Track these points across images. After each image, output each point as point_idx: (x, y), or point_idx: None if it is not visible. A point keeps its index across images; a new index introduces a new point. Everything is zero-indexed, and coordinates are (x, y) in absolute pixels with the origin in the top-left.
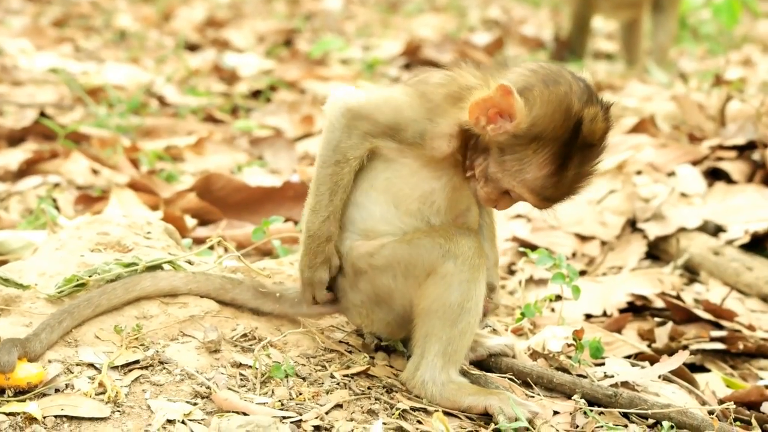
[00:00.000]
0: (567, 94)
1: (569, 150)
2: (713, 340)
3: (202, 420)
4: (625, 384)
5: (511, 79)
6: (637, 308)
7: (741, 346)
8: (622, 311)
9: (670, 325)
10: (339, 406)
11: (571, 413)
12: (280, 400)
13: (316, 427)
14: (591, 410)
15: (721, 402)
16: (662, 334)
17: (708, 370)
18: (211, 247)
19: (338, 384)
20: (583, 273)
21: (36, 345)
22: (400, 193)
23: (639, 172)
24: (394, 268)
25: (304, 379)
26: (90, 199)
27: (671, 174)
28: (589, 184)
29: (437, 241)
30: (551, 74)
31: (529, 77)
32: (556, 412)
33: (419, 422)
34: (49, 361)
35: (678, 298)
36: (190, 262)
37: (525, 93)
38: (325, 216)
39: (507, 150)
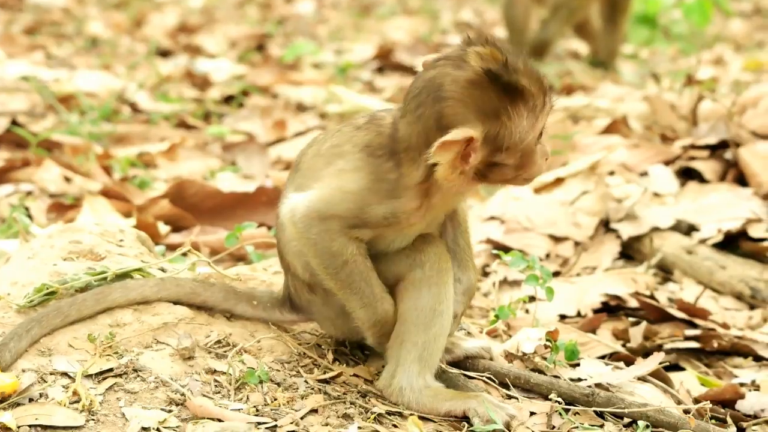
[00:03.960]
0: (459, 73)
1: (510, 95)
2: (687, 338)
3: (177, 427)
4: (599, 385)
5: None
6: (612, 308)
7: (715, 345)
8: (596, 311)
9: (644, 324)
10: (314, 410)
11: (547, 413)
12: (255, 406)
13: None
14: (567, 410)
15: (696, 401)
16: (637, 334)
17: (683, 369)
18: (184, 254)
19: (313, 389)
20: (557, 274)
21: (5, 354)
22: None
23: (612, 173)
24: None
25: (278, 384)
26: (62, 207)
27: (644, 174)
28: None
29: (404, 251)
30: (426, 84)
31: (421, 109)
32: (532, 413)
33: (395, 426)
34: (23, 371)
35: (652, 297)
36: (162, 270)
37: (444, 120)
38: (380, 299)
39: (485, 155)
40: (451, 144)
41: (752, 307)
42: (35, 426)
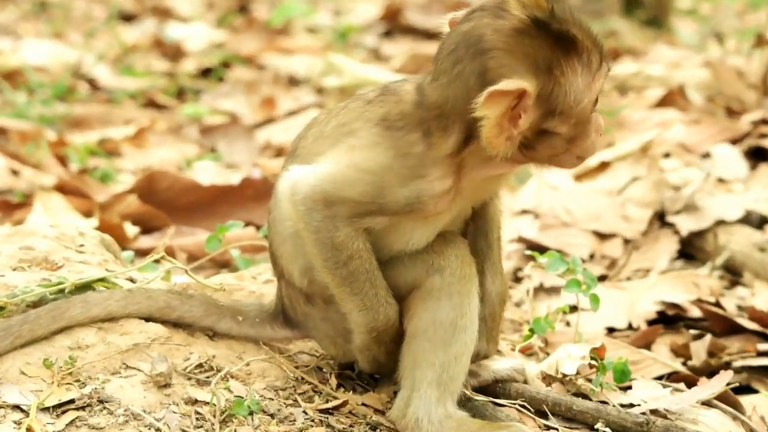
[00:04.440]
0: (495, 23)
1: (562, 46)
2: (761, 354)
3: None
4: (655, 412)
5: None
6: (669, 319)
7: None
8: (650, 323)
9: (708, 338)
10: None
11: None
12: None
13: None
14: None
15: None
16: (700, 350)
17: (755, 391)
18: (157, 261)
19: (313, 421)
20: (602, 278)
21: None
22: (389, 244)
23: (667, 155)
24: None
25: (272, 416)
26: (9, 206)
27: (706, 156)
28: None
29: (419, 254)
30: (464, 37)
31: (460, 65)
32: None
33: None
34: None
35: (717, 305)
36: (131, 280)
37: (489, 75)
38: (384, 304)
39: (546, 117)
40: (502, 95)
41: None
42: None
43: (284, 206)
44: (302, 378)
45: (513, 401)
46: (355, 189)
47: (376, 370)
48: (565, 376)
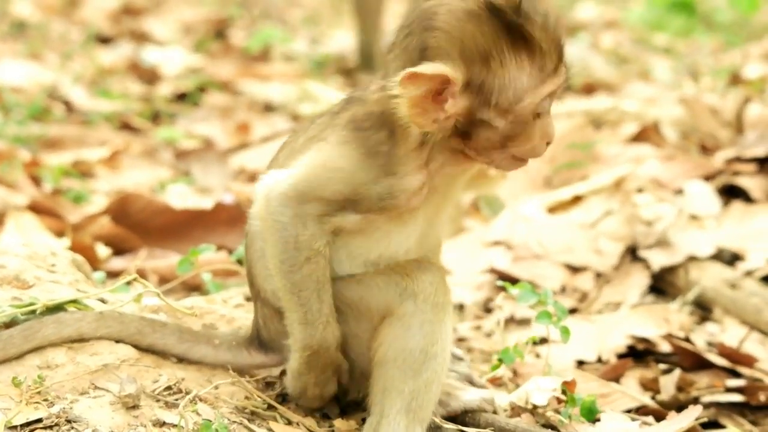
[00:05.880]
0: (454, 6)
1: (516, 39)
2: (729, 390)
3: None
4: None
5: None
6: (639, 353)
7: (762, 398)
8: (620, 356)
9: (677, 372)
10: None
11: None
12: None
13: None
14: None
15: None
16: (669, 384)
17: (723, 427)
18: (128, 283)
19: None
20: (573, 311)
21: None
22: (364, 249)
23: (640, 190)
24: (343, 311)
25: None
26: None
27: (679, 192)
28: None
29: (392, 278)
30: (421, 12)
31: (409, 38)
32: None
33: None
34: None
35: (687, 340)
36: (102, 301)
37: (427, 53)
38: (324, 322)
39: (478, 103)
40: (420, 78)
41: None
42: None
43: (259, 203)
44: (270, 404)
45: (482, 430)
46: (327, 187)
47: (303, 401)
48: (535, 407)
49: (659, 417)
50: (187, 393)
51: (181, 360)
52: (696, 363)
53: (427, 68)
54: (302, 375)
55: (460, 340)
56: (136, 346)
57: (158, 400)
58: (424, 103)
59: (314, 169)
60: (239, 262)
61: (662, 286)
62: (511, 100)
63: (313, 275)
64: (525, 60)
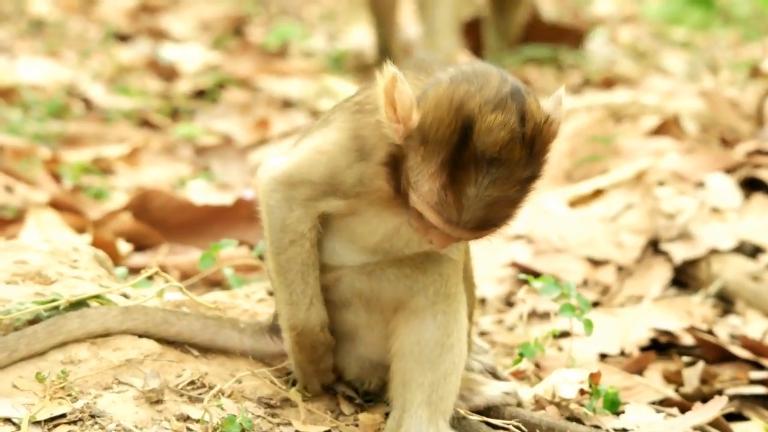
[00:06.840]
0: (467, 93)
1: (462, 160)
2: (753, 382)
3: None
4: None
5: (432, 78)
6: (662, 346)
7: None
8: (643, 349)
9: (701, 365)
10: None
11: None
12: None
13: None
14: None
15: None
16: (692, 377)
17: (747, 419)
18: (150, 278)
19: None
20: (595, 304)
21: None
22: (359, 235)
23: (661, 183)
24: (354, 303)
25: None
26: (2, 222)
27: (700, 185)
28: (511, 215)
29: (403, 271)
30: (467, 72)
31: (447, 73)
32: None
33: None
34: None
35: (710, 333)
36: (125, 296)
37: (428, 89)
38: (308, 303)
39: (407, 157)
40: (395, 90)
41: None
42: None
43: (258, 190)
44: (293, 398)
45: (507, 422)
46: (313, 171)
47: (305, 382)
48: (562, 399)
49: (683, 409)
50: (211, 387)
51: (206, 351)
52: (719, 355)
53: (403, 93)
54: (295, 353)
55: (483, 333)
56: (163, 337)
57: (182, 395)
58: (390, 109)
59: (308, 152)
60: (260, 257)
61: (684, 279)
62: (418, 192)
63: (298, 258)
64: (440, 179)
